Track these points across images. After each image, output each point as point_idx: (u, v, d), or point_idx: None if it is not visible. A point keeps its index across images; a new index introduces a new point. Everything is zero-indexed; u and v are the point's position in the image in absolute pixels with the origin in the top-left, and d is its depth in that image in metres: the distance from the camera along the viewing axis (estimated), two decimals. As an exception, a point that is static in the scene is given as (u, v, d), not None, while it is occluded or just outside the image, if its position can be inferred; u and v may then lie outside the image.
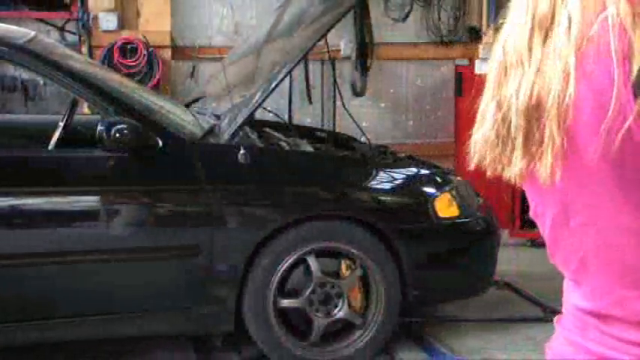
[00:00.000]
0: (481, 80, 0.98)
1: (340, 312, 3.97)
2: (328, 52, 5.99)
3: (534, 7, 0.88)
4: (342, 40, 6.55)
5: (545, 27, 0.87)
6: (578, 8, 0.85)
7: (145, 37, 6.10)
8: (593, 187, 0.89)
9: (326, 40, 5.09)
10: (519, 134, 0.89)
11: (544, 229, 0.99)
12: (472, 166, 0.98)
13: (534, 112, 0.87)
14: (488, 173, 0.97)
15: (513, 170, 0.92)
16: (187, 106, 5.05)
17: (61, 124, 4.19)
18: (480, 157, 0.97)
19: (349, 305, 3.97)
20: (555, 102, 0.86)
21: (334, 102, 6.52)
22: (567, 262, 0.98)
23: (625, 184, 0.86)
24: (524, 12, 0.89)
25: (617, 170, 0.85)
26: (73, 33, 6.17)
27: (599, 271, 0.94)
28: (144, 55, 6.04)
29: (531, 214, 1.01)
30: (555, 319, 1.06)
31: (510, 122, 0.90)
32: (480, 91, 0.98)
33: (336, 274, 3.99)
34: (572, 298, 1.00)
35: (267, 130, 4.84)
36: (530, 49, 0.88)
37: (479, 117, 0.97)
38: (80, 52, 5.90)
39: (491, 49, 0.97)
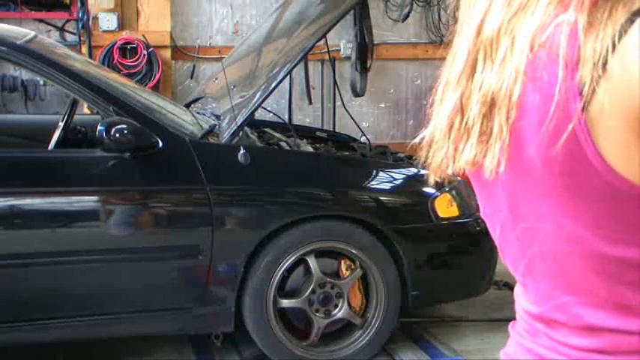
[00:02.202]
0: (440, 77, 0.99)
1: (340, 312, 3.97)
2: (328, 52, 6.00)
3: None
4: (342, 40, 6.56)
5: (517, 13, 0.87)
6: (543, 8, 0.85)
7: (144, 37, 6.10)
8: (538, 193, 0.89)
9: (326, 40, 5.10)
10: (477, 123, 0.89)
11: (494, 232, 1.01)
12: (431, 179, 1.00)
13: (491, 103, 0.88)
14: (433, 175, 0.98)
15: (464, 157, 0.92)
16: (187, 106, 5.05)
17: (61, 124, 4.19)
18: (427, 152, 0.97)
19: (349, 305, 3.98)
20: (505, 100, 0.86)
21: (334, 102, 6.53)
22: (515, 266, 1.00)
23: (570, 193, 0.86)
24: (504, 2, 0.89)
25: (562, 179, 0.85)
26: (73, 33, 6.18)
27: (544, 275, 0.94)
28: (144, 55, 6.04)
29: (481, 214, 1.02)
30: (510, 324, 1.06)
31: (468, 112, 0.90)
32: None
33: (336, 274, 3.99)
34: (522, 302, 1.01)
35: (267, 130, 4.85)
36: (498, 40, 0.88)
37: (435, 110, 0.97)
38: (80, 52, 5.91)
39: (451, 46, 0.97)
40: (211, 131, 4.10)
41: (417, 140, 1.00)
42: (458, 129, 0.92)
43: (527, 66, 0.84)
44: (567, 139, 0.81)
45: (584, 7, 0.82)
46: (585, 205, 0.86)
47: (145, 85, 5.81)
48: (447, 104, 0.94)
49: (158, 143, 3.73)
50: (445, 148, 0.95)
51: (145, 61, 6.05)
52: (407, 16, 6.69)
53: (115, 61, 6.01)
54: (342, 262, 3.99)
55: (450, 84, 0.94)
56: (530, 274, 0.97)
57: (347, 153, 4.71)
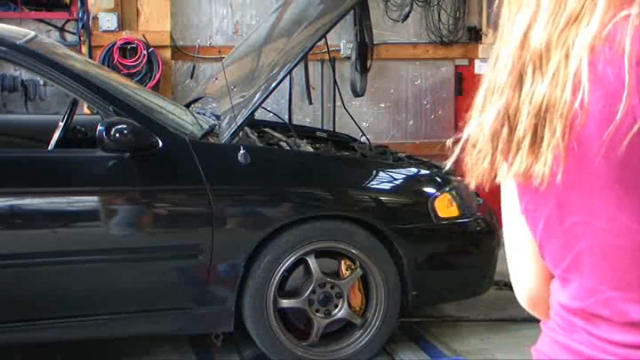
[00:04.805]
0: (481, 80, 0.98)
1: (340, 312, 3.97)
2: (328, 52, 5.99)
3: (561, 5, 0.87)
4: (342, 40, 6.55)
5: (568, 26, 0.86)
6: (602, 6, 0.84)
7: (145, 37, 6.09)
8: (592, 187, 0.88)
9: (326, 40, 5.09)
10: (528, 135, 0.89)
11: (536, 227, 0.99)
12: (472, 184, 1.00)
13: (544, 114, 0.87)
14: (474, 180, 0.98)
15: (514, 169, 0.91)
16: (187, 106, 5.05)
17: (61, 124, 4.19)
18: (468, 156, 0.97)
19: (349, 305, 3.98)
20: (565, 105, 0.85)
21: (334, 102, 6.52)
22: (559, 260, 0.98)
23: (627, 186, 0.86)
24: (550, 10, 0.88)
25: (620, 172, 0.85)
26: (73, 33, 6.17)
27: (591, 270, 0.94)
28: (144, 55, 6.03)
29: (521, 210, 1.01)
30: (541, 321, 1.06)
31: (518, 125, 0.90)
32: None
33: (336, 274, 3.99)
34: (560, 296, 1.00)
35: (267, 130, 4.85)
36: (548, 53, 0.87)
37: (474, 119, 0.97)
38: (80, 52, 5.90)
39: (492, 49, 0.96)
40: (211, 131, 4.10)
41: (450, 142, 1.00)
42: (506, 141, 0.92)
43: (589, 66, 0.84)
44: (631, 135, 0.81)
45: None
46: None
47: (145, 85, 5.80)
48: (489, 112, 0.93)
49: (158, 143, 3.73)
50: (489, 157, 0.94)
51: (145, 61, 6.04)
52: (407, 16, 6.68)
53: (115, 61, 6.00)
54: (342, 262, 3.99)
55: (493, 91, 0.93)
56: (576, 269, 0.96)
57: (347, 153, 4.71)
